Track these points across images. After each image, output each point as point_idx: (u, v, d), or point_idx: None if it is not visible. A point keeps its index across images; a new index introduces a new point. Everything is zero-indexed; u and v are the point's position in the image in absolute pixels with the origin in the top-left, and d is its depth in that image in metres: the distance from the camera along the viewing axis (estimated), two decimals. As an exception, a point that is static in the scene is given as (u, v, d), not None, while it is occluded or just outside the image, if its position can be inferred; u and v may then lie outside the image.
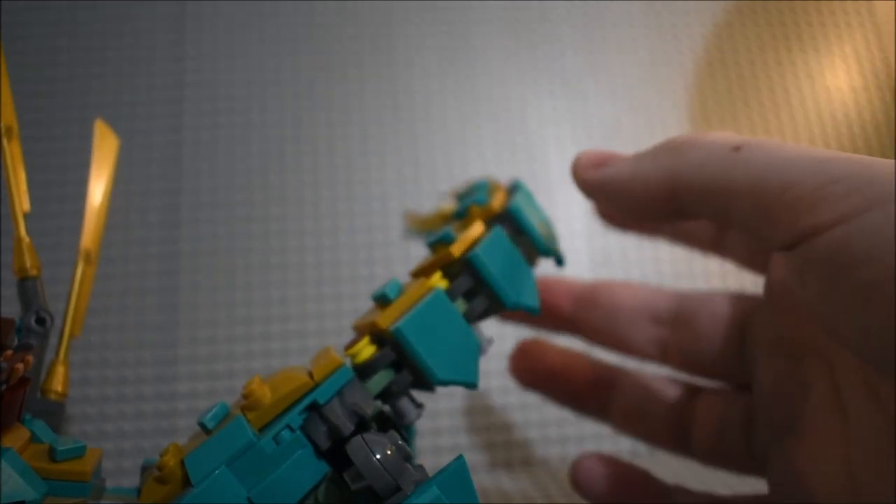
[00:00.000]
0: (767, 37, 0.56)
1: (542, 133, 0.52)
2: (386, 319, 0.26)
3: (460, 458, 0.23)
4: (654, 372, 0.36)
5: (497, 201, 0.31)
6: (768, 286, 0.30)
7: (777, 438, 0.29)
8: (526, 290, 0.29)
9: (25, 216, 0.29)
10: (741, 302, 0.33)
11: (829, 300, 0.23)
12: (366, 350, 0.26)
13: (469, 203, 0.32)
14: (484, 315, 0.29)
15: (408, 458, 0.23)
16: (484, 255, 0.27)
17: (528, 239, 0.31)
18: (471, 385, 0.27)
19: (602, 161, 0.30)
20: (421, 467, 0.24)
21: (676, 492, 0.34)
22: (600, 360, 0.37)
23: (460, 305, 0.28)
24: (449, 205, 0.37)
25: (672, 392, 0.35)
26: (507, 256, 0.28)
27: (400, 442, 0.23)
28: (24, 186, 0.30)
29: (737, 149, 0.25)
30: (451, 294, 0.27)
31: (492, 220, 0.31)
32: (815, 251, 0.22)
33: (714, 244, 0.35)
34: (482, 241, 0.28)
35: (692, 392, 0.35)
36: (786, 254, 0.24)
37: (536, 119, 0.52)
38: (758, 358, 0.31)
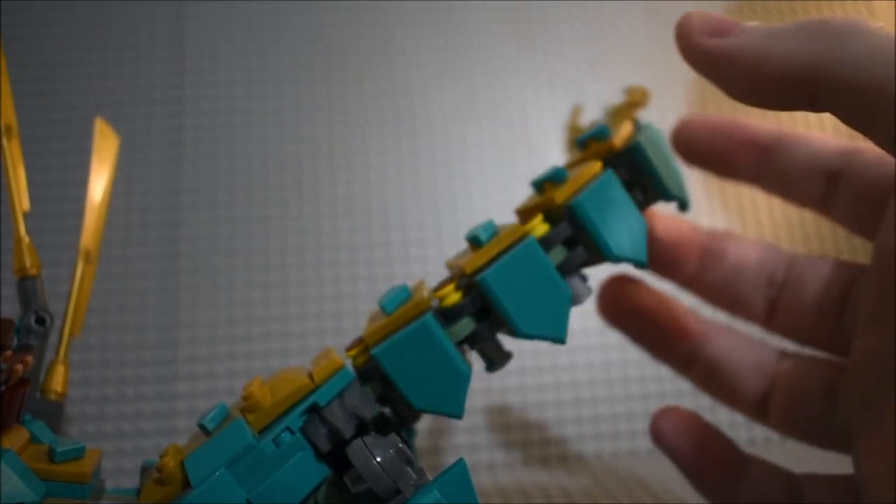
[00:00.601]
0: (768, 37, 0.55)
1: (542, 133, 0.52)
2: (473, 264, 0.25)
3: (461, 461, 0.23)
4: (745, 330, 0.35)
5: (620, 137, 0.29)
6: (877, 250, 0.28)
7: (866, 407, 0.27)
8: (633, 241, 0.27)
9: (25, 215, 0.29)
10: (847, 268, 0.32)
11: None
12: (452, 296, 0.25)
13: (590, 135, 0.29)
14: (584, 265, 0.27)
15: (408, 461, 0.23)
16: (588, 204, 0.26)
17: (649, 181, 0.29)
18: (558, 340, 0.26)
19: (723, 27, 0.25)
20: (421, 470, 0.24)
21: (753, 462, 0.33)
22: (695, 312, 0.35)
23: (558, 253, 0.27)
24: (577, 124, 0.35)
25: (759, 355, 0.34)
26: (616, 204, 0.27)
27: (400, 445, 0.23)
28: (23, 185, 0.30)
29: (882, 28, 0.22)
30: (549, 241, 0.26)
31: (611, 158, 0.29)
32: None
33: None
34: (589, 187, 0.27)
35: (779, 357, 0.34)
36: None
37: (536, 119, 0.52)
38: (860, 323, 0.28)
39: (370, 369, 0.25)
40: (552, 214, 0.27)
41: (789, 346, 0.34)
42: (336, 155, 0.50)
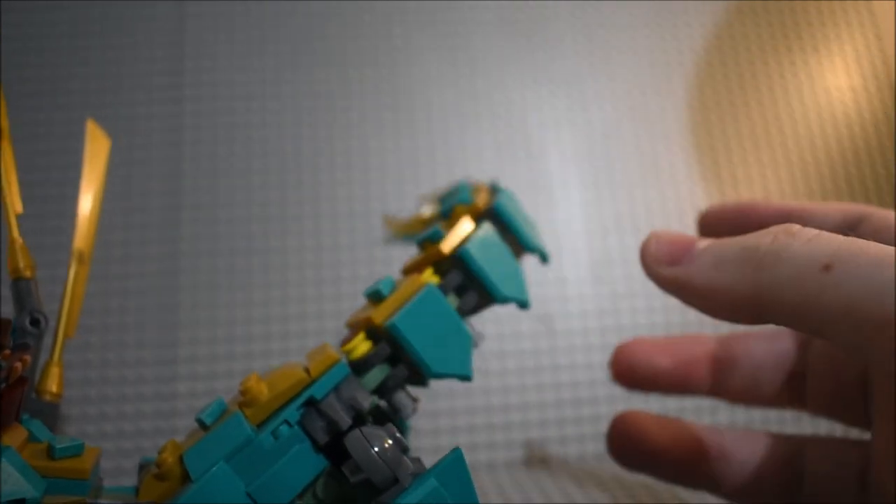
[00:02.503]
0: (767, 37, 0.56)
1: (542, 133, 0.52)
2: (380, 315, 0.26)
3: (457, 450, 0.23)
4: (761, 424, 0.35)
5: (481, 200, 0.32)
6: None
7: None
8: (516, 283, 0.29)
9: (19, 217, 0.29)
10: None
11: None
12: (361, 346, 0.26)
13: (453, 203, 0.32)
14: (475, 309, 0.29)
15: (405, 450, 0.23)
16: (474, 251, 0.28)
17: (513, 236, 0.31)
18: (465, 378, 0.27)
19: (676, 254, 0.28)
20: (418, 459, 0.24)
21: (734, 439, 0.33)
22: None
23: (452, 301, 0.28)
24: (428, 209, 0.38)
25: (784, 451, 0.34)
26: (496, 251, 0.29)
27: (397, 434, 0.23)
28: (15, 188, 0.30)
29: (827, 268, 0.22)
30: (442, 289, 0.28)
31: (478, 218, 0.31)
32: None
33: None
34: (471, 237, 0.28)
35: (804, 445, 0.34)
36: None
37: (536, 120, 0.52)
38: (873, 415, 0.29)
39: (377, 352, 0.26)
40: (440, 267, 0.29)
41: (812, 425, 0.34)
42: (336, 155, 0.50)
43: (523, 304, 0.29)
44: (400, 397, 0.27)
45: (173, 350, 0.45)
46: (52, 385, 0.28)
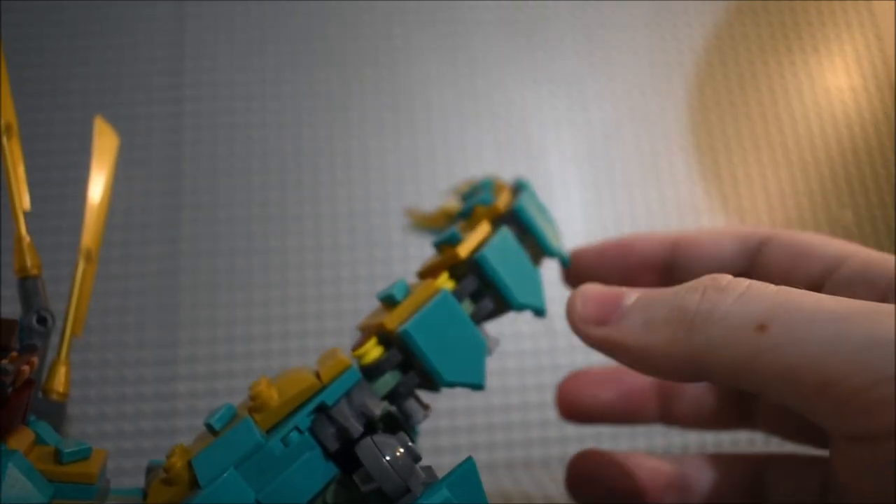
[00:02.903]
0: (767, 37, 0.56)
1: (542, 134, 0.52)
2: (393, 321, 0.26)
3: (469, 459, 0.23)
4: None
5: (502, 201, 0.31)
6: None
7: None
8: (532, 290, 0.29)
9: (26, 215, 0.29)
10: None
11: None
12: (373, 351, 0.26)
13: (474, 203, 0.31)
14: (490, 316, 0.28)
15: (417, 459, 0.23)
16: (491, 257, 0.27)
17: (533, 239, 0.30)
18: (478, 387, 0.27)
19: (604, 313, 0.27)
20: (430, 468, 0.24)
21: (693, 467, 0.33)
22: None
23: (467, 306, 0.28)
24: (452, 203, 0.37)
25: (742, 470, 0.33)
26: (513, 257, 0.28)
27: (409, 443, 0.23)
28: (24, 185, 0.30)
29: (762, 328, 0.21)
30: (457, 295, 0.27)
31: (497, 220, 0.30)
32: (881, 453, 0.20)
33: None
34: (489, 242, 0.28)
35: (760, 465, 0.33)
36: (846, 444, 0.21)
37: (536, 120, 0.52)
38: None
39: (388, 358, 0.26)
40: (456, 271, 0.28)
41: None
42: (336, 155, 0.50)
43: (540, 312, 0.29)
44: (410, 404, 0.26)
45: (173, 350, 0.45)
46: (59, 384, 0.28)
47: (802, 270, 0.29)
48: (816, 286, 0.28)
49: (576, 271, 0.34)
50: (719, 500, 0.32)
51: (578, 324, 0.27)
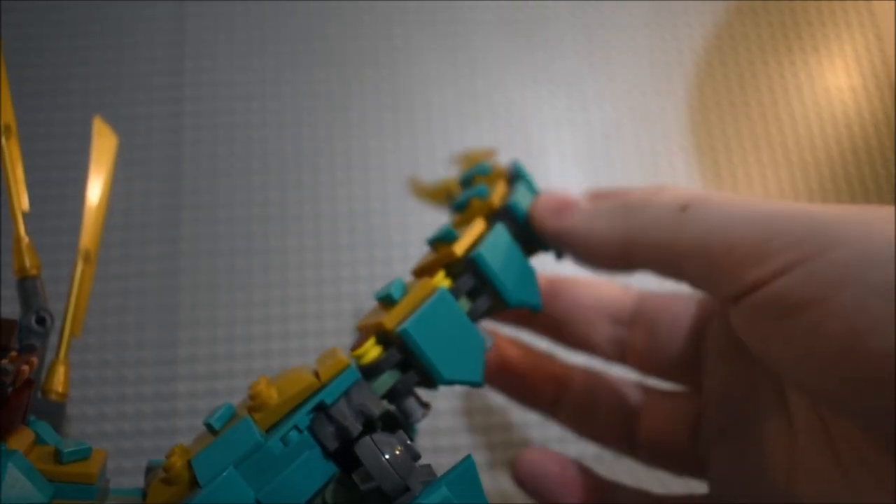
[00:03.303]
0: (767, 37, 0.56)
1: (542, 134, 0.52)
2: (391, 320, 0.26)
3: (469, 457, 0.23)
4: (616, 373, 0.37)
5: (497, 195, 0.32)
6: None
7: (721, 439, 0.30)
8: (528, 287, 0.29)
9: (25, 216, 0.29)
10: (701, 306, 0.34)
11: (775, 346, 0.24)
12: (372, 351, 0.26)
13: (470, 196, 0.32)
14: (487, 313, 0.29)
15: (416, 457, 0.23)
16: (486, 255, 0.28)
17: (531, 230, 0.31)
18: (476, 384, 0.27)
19: (560, 208, 0.30)
20: (429, 467, 0.24)
21: (615, 488, 0.34)
22: (557, 358, 0.38)
23: (464, 304, 0.28)
24: (452, 179, 0.37)
25: (622, 392, 0.36)
26: (508, 254, 0.29)
27: (408, 442, 0.23)
28: (22, 185, 0.30)
29: (684, 208, 0.26)
30: (454, 293, 0.27)
31: (493, 215, 0.31)
32: (760, 302, 0.24)
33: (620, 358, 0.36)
34: (484, 240, 0.28)
35: (642, 393, 0.36)
36: (734, 306, 0.25)
37: (536, 120, 0.52)
38: (710, 360, 0.32)
39: (387, 357, 0.26)
40: (452, 269, 0.29)
41: (655, 382, 0.36)
42: (336, 155, 0.50)
43: (535, 308, 0.29)
44: (409, 402, 0.26)
45: (173, 350, 0.45)
46: (59, 384, 0.28)
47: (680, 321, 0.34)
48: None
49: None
50: None
51: (538, 217, 0.31)
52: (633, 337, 0.35)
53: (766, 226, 0.24)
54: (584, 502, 0.34)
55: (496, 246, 0.28)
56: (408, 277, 0.30)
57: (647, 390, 0.36)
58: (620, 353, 0.36)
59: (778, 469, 0.27)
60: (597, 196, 0.31)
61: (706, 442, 0.32)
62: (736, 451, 0.30)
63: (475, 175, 0.33)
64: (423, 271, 0.30)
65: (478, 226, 0.29)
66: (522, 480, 0.35)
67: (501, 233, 0.29)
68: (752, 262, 0.24)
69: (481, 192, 0.32)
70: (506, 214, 0.31)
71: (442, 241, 0.29)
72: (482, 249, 0.28)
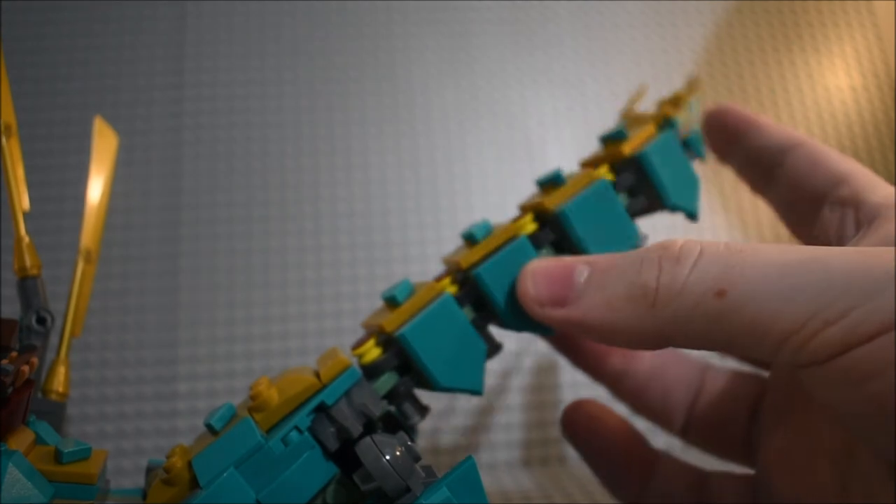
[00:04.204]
0: (767, 37, 0.56)
1: (542, 133, 0.52)
2: (392, 323, 0.26)
3: (469, 458, 0.23)
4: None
5: (670, 108, 0.31)
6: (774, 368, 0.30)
7: (778, 426, 0.29)
8: (688, 194, 0.29)
9: (25, 215, 0.29)
10: (755, 381, 0.33)
11: (847, 407, 0.22)
12: (372, 352, 0.26)
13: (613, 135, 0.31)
14: (642, 212, 0.29)
15: (416, 458, 0.23)
16: (652, 155, 0.28)
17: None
18: (474, 392, 0.27)
19: (558, 294, 0.26)
20: (430, 468, 0.24)
21: (663, 458, 0.34)
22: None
23: (623, 199, 0.29)
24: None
25: (687, 369, 0.35)
26: (675, 159, 0.29)
27: (409, 443, 0.23)
28: (23, 185, 0.30)
29: (720, 294, 0.22)
30: (615, 187, 0.28)
31: (663, 124, 0.31)
32: (829, 372, 0.21)
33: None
34: (653, 142, 0.29)
35: (705, 371, 0.35)
36: (798, 371, 0.23)
37: (536, 119, 0.52)
38: (764, 435, 0.31)
39: (386, 359, 0.26)
40: (617, 166, 0.29)
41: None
42: (336, 155, 0.50)
43: (692, 216, 0.29)
44: (407, 406, 0.27)
45: (173, 350, 0.45)
46: (59, 384, 0.28)
47: (812, 179, 0.30)
48: (819, 199, 0.29)
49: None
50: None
51: (534, 307, 0.27)
52: (697, 409, 0.34)
53: (822, 304, 0.21)
54: (630, 465, 0.33)
55: (663, 149, 0.29)
56: (411, 278, 0.30)
57: (707, 367, 0.35)
58: (685, 426, 0.35)
59: (833, 476, 0.26)
60: (593, 270, 0.27)
61: (761, 427, 0.31)
62: (791, 443, 0.28)
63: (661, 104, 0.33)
64: (589, 164, 0.30)
65: (648, 130, 0.30)
66: (573, 431, 0.34)
67: (670, 138, 0.29)
68: (815, 348, 0.21)
69: (619, 134, 0.30)
70: (670, 125, 0.31)
71: (612, 139, 0.29)
72: (649, 149, 0.28)
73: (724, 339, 0.23)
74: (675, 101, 0.33)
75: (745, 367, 0.35)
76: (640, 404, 0.36)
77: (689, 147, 0.31)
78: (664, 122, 0.31)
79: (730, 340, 0.23)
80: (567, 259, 0.27)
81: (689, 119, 0.32)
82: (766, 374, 0.34)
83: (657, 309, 0.24)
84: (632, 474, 0.33)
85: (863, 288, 0.20)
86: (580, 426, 0.34)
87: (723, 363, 0.36)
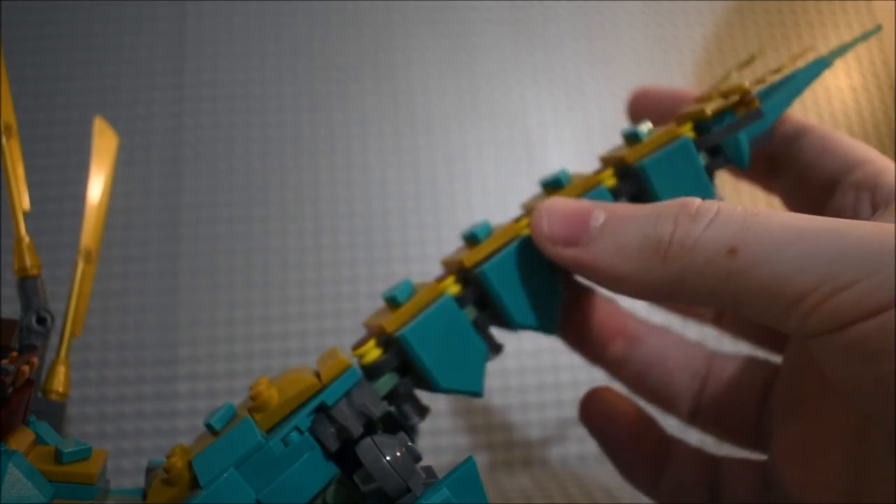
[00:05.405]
0: (767, 37, 0.56)
1: (542, 133, 0.52)
2: (392, 323, 0.26)
3: (470, 459, 0.23)
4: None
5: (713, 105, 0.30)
6: (786, 355, 0.30)
7: (790, 415, 0.29)
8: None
9: (25, 215, 0.29)
10: (765, 367, 0.33)
11: (857, 385, 0.22)
12: (372, 352, 0.26)
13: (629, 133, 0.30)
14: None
15: (417, 459, 0.23)
16: (649, 167, 0.28)
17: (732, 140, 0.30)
18: (475, 394, 0.27)
19: (572, 234, 0.26)
20: (430, 468, 0.24)
21: (677, 444, 0.34)
22: (627, 310, 0.36)
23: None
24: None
25: (691, 354, 0.35)
26: (683, 168, 0.28)
27: (409, 443, 0.23)
28: (23, 185, 0.30)
29: (732, 252, 0.23)
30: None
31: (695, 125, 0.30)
32: (839, 342, 0.21)
33: (714, 320, 0.36)
34: (663, 148, 0.28)
35: (711, 357, 0.35)
36: (808, 341, 0.22)
37: (536, 119, 0.52)
38: (776, 423, 0.30)
39: (386, 360, 0.26)
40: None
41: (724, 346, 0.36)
42: (336, 155, 0.50)
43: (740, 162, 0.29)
44: (408, 406, 0.27)
45: (173, 350, 0.45)
46: (59, 384, 0.28)
47: (823, 165, 0.30)
48: (831, 184, 0.29)
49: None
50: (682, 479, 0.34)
51: (546, 243, 0.27)
52: (705, 395, 0.34)
53: (837, 269, 0.21)
54: (645, 452, 0.33)
55: (672, 159, 0.28)
56: (412, 278, 0.30)
57: (716, 355, 0.35)
58: (692, 412, 0.35)
59: (846, 463, 0.26)
60: (610, 217, 0.27)
61: (773, 413, 0.31)
62: (804, 429, 0.28)
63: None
64: (605, 161, 0.31)
65: (668, 132, 0.29)
66: (590, 417, 0.34)
67: (686, 144, 0.28)
68: (827, 312, 0.21)
69: (635, 133, 0.30)
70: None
71: (628, 137, 0.29)
72: (648, 161, 0.28)
73: (733, 297, 0.23)
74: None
75: (753, 353, 0.35)
76: (642, 389, 0.36)
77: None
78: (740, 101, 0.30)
79: (738, 300, 0.23)
80: (585, 202, 0.27)
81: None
82: (774, 359, 0.34)
83: (667, 263, 0.24)
84: (646, 461, 0.33)
85: (879, 259, 0.20)
86: (595, 413, 0.34)
87: (729, 350, 0.36)
